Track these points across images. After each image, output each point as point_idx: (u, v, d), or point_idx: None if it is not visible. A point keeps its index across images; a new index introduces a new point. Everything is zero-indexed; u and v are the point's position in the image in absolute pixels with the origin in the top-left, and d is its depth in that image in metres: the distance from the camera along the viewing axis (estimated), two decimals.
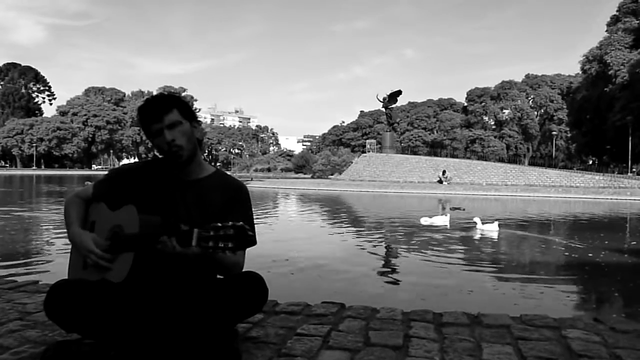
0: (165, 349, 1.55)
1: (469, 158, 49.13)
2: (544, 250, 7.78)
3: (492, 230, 9.37)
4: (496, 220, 10.31)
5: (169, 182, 1.72)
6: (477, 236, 9.00)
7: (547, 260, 6.87)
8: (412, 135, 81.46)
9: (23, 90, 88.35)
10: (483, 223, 9.69)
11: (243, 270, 1.68)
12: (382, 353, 1.73)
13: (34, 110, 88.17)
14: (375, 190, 28.09)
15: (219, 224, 1.36)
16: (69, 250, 1.75)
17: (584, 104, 48.10)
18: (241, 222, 1.36)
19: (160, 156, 1.74)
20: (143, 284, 1.61)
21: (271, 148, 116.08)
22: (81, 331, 1.59)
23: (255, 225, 1.71)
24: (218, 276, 1.71)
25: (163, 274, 1.64)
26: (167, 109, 1.65)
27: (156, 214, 1.62)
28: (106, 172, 1.85)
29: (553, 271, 6.28)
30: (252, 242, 1.37)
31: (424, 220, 10.59)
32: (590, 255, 7.08)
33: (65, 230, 1.71)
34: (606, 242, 8.46)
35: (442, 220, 10.47)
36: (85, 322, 1.55)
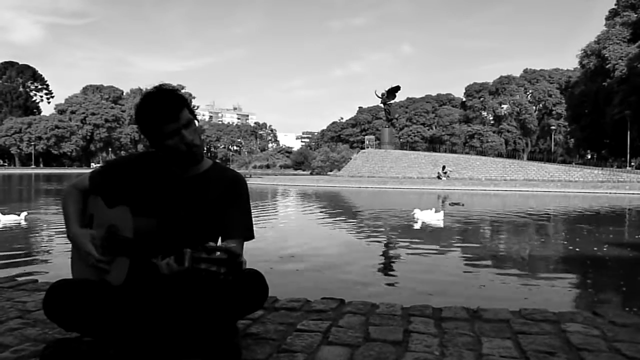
0: (166, 346, 1.54)
1: (467, 153, 49.12)
2: (542, 244, 7.80)
3: (437, 219, 10.40)
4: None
5: (166, 179, 1.66)
6: (418, 225, 9.85)
7: (545, 255, 6.88)
8: (410, 130, 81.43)
9: (21, 89, 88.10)
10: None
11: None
12: (382, 348, 1.73)
13: (32, 109, 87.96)
14: (374, 186, 28.07)
15: (212, 245, 1.31)
16: (70, 249, 1.73)
17: (582, 98, 48.03)
18: (234, 247, 1.38)
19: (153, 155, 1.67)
20: (143, 283, 1.59)
21: (270, 145, 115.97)
22: (80, 330, 1.58)
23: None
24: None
25: (162, 275, 1.59)
26: (181, 106, 1.52)
27: (153, 211, 1.59)
28: (101, 164, 1.79)
29: (552, 265, 6.29)
30: (241, 267, 1.39)
31: (416, 214, 10.99)
32: (594, 249, 7.09)
33: (64, 227, 1.69)
34: (611, 235, 8.48)
35: (431, 214, 10.83)
36: (84, 322, 1.54)
